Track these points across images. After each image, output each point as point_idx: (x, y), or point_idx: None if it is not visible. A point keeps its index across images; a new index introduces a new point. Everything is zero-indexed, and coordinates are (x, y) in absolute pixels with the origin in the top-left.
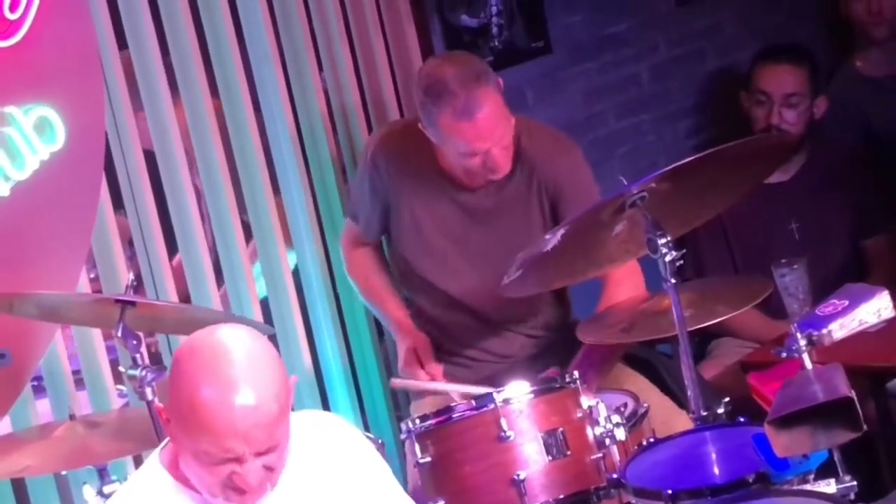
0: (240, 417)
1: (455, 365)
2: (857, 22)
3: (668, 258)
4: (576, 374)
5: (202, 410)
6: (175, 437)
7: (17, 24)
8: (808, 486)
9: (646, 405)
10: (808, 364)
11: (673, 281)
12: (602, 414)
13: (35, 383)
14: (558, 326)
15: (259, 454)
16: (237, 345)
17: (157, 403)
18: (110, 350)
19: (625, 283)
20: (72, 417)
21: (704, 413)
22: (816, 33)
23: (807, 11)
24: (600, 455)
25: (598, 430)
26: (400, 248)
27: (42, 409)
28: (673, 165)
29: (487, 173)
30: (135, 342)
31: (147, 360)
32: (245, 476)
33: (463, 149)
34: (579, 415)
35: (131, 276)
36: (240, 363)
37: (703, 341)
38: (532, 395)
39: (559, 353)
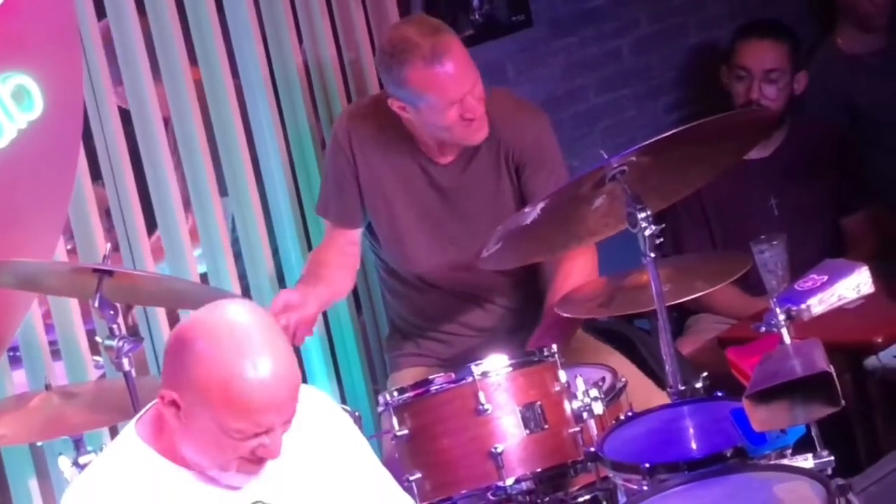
0: (276, 391)
1: (433, 341)
2: (859, 13)
3: (647, 232)
4: (554, 347)
5: (238, 391)
6: (188, 421)
7: None
8: (785, 461)
9: (624, 379)
10: (787, 339)
11: (652, 255)
12: (580, 388)
13: (11, 353)
14: (537, 299)
15: (286, 422)
16: (251, 319)
17: (169, 394)
18: (87, 320)
19: (577, 271)
20: (48, 388)
21: (682, 388)
22: (797, 10)
23: None
24: (578, 429)
25: (576, 404)
26: (374, 228)
27: (18, 380)
28: (653, 139)
29: (466, 131)
30: (112, 312)
31: (124, 331)
32: (271, 446)
33: (439, 101)
34: (557, 388)
35: (109, 246)
36: (262, 338)
37: (681, 317)
38: (510, 369)
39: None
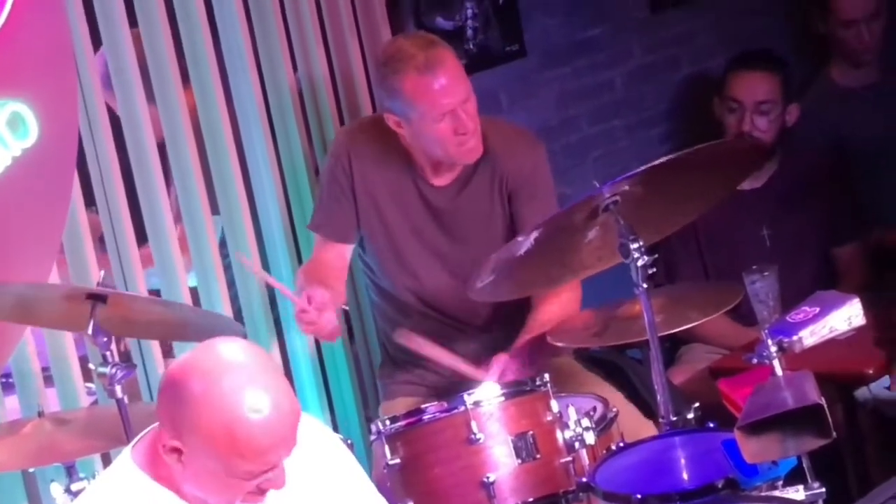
0: (281, 429)
1: (425, 369)
2: (847, 49)
3: (640, 263)
4: (546, 377)
5: (245, 436)
6: (192, 466)
7: None
8: (776, 493)
9: (615, 409)
10: (779, 370)
11: (645, 286)
12: (572, 418)
13: (4, 380)
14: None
15: (290, 453)
16: (245, 357)
17: (171, 441)
18: (79, 347)
19: (560, 306)
20: (40, 415)
21: (674, 418)
22: (790, 43)
23: (780, 21)
24: (570, 459)
25: (568, 434)
26: (367, 247)
27: (10, 406)
28: (646, 166)
29: (459, 149)
30: (105, 339)
31: (117, 358)
32: (276, 479)
33: (430, 111)
34: (549, 418)
35: (102, 273)
36: (259, 375)
37: (672, 347)
38: (502, 398)
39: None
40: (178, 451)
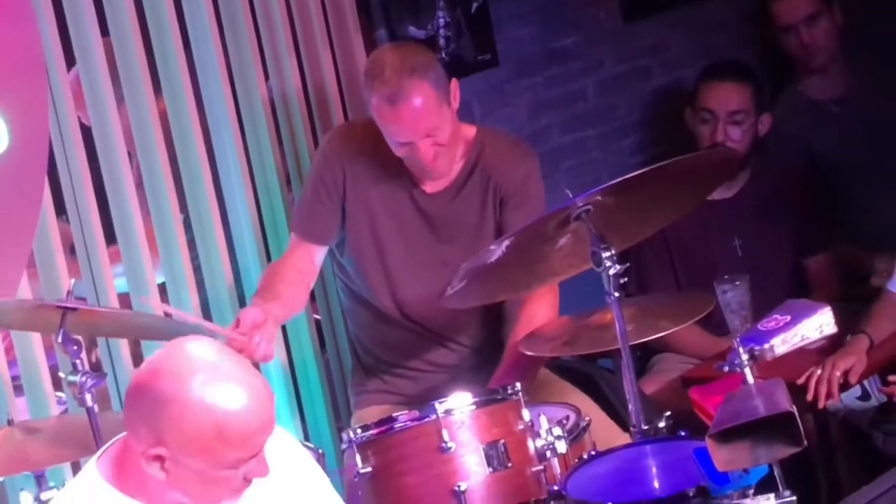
0: (263, 411)
1: (398, 377)
2: (792, 56)
3: (611, 272)
4: (517, 386)
5: (233, 425)
6: (177, 469)
7: None
8: (748, 501)
9: (587, 418)
10: (750, 378)
11: (616, 295)
12: (543, 426)
13: None
14: (501, 338)
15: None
16: (213, 353)
17: (151, 450)
18: (50, 355)
19: (541, 312)
20: (10, 423)
21: (645, 427)
22: (761, 54)
23: (751, 33)
24: (541, 467)
25: (540, 443)
26: (350, 250)
27: None
28: (619, 179)
29: (420, 170)
30: (75, 348)
31: (87, 367)
32: (260, 466)
33: (389, 136)
34: (521, 427)
35: (73, 282)
36: (229, 367)
37: (644, 356)
38: (474, 407)
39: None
40: (160, 458)
